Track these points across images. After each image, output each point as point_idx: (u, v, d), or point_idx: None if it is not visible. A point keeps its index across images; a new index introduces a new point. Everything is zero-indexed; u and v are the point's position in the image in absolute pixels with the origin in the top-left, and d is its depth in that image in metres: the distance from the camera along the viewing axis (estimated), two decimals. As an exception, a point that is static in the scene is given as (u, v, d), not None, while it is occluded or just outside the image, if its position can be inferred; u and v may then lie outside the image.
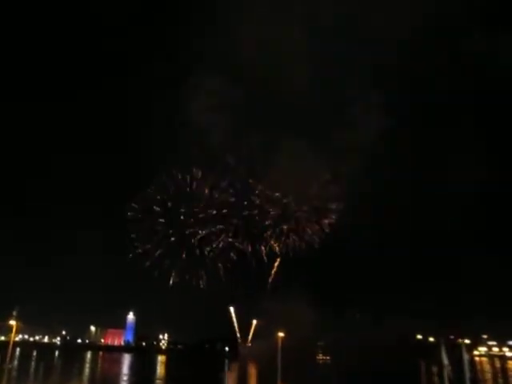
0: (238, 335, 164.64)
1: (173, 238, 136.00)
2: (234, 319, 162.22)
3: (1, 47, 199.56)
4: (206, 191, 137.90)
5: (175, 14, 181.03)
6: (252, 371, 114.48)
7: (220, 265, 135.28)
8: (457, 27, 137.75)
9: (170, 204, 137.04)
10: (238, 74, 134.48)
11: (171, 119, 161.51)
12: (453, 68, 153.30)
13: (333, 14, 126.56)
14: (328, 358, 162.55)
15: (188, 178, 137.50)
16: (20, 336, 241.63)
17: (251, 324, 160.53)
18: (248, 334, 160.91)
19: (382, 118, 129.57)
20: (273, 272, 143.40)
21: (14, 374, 76.27)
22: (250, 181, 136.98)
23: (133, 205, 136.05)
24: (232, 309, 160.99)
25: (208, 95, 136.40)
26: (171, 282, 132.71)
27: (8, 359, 50.31)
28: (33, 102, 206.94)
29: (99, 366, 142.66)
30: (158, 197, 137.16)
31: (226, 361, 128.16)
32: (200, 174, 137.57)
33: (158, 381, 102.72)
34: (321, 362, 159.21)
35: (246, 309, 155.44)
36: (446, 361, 47.52)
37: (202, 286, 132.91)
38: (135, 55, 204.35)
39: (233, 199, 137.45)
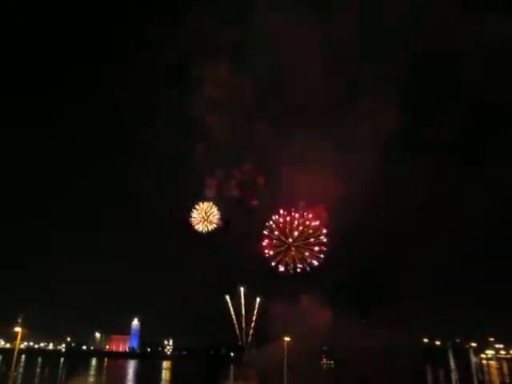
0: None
1: None
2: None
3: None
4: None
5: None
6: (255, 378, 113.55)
7: None
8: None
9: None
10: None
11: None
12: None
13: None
14: (332, 362, 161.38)
15: None
16: (25, 343, 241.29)
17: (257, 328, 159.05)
18: (254, 339, 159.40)
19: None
20: None
21: (19, 381, 76.13)
22: None
23: None
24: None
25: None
26: None
27: (13, 366, 50.12)
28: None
29: (104, 372, 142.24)
30: None
31: (232, 366, 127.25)
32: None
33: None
34: (325, 366, 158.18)
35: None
36: (453, 365, 47.13)
37: None
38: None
39: None
